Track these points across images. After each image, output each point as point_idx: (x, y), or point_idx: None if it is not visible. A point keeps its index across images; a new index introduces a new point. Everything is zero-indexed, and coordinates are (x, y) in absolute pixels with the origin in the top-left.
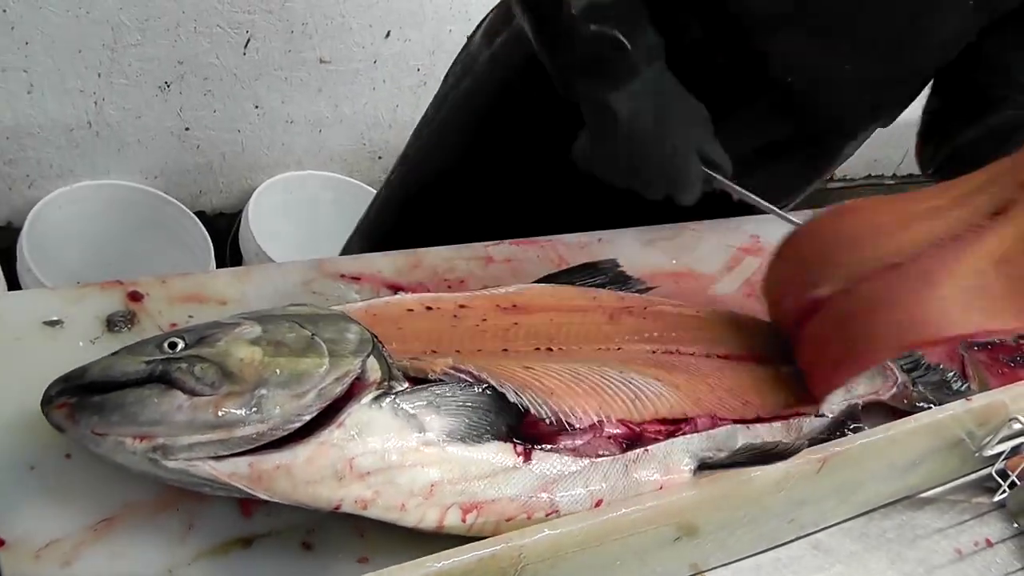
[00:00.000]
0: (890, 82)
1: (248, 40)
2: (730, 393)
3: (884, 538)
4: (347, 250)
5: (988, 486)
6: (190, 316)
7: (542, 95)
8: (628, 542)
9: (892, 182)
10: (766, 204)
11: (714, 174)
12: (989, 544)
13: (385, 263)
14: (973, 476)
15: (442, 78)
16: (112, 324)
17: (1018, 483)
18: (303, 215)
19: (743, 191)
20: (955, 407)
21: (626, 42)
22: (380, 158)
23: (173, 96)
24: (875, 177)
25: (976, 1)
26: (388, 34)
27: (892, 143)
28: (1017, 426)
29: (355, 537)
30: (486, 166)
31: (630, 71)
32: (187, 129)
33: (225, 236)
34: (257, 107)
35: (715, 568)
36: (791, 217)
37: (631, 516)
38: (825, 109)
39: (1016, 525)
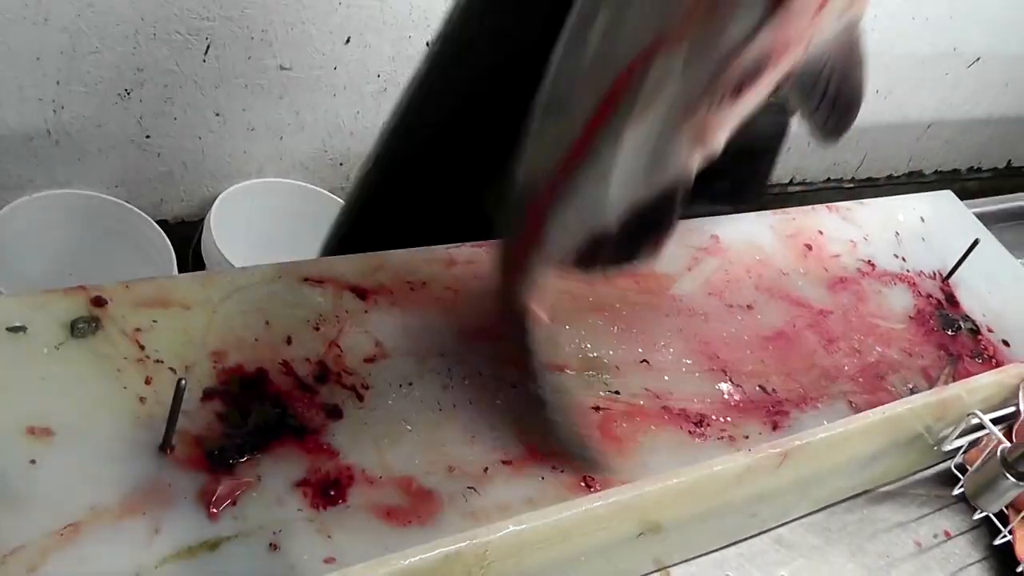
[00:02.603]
0: None
1: (208, 47)
2: None
3: (845, 532)
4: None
5: (947, 480)
6: (154, 321)
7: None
8: (592, 538)
9: (851, 185)
10: None
11: None
12: (948, 536)
13: (347, 266)
14: (932, 470)
15: (401, 84)
16: (76, 330)
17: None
18: (266, 223)
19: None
20: (914, 401)
21: None
22: (342, 165)
23: (133, 104)
24: (834, 180)
25: None
26: (348, 40)
27: (850, 147)
28: (975, 420)
29: (322, 538)
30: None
31: None
32: (148, 137)
33: (187, 244)
34: (218, 115)
35: (678, 563)
36: None
37: (595, 512)
38: None
39: (974, 516)
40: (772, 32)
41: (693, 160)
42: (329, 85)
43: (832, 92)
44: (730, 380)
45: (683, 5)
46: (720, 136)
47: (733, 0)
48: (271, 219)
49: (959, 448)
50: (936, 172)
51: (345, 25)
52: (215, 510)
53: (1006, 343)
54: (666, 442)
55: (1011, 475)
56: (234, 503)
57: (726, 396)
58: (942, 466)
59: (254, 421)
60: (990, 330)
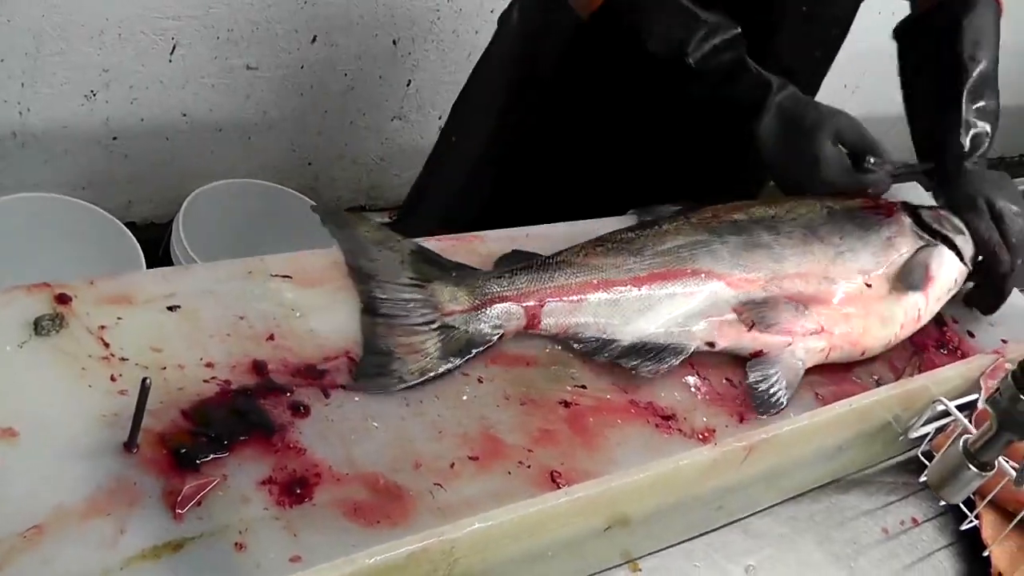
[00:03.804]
0: None
1: (174, 47)
2: None
3: (812, 521)
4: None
5: (914, 467)
6: (119, 318)
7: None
8: (559, 533)
9: None
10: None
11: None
12: (916, 523)
13: (311, 260)
14: (900, 458)
15: (368, 82)
16: (39, 327)
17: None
18: (235, 224)
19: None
20: (880, 392)
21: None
22: (310, 164)
23: (99, 105)
24: None
25: None
26: (314, 39)
27: None
28: (940, 408)
29: (288, 536)
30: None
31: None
32: (114, 139)
33: (156, 246)
34: (185, 115)
35: (646, 556)
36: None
37: (562, 507)
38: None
39: (941, 503)
40: None
41: None
42: (295, 84)
43: None
44: (697, 374)
45: None
46: None
47: None
48: (241, 219)
49: (926, 436)
50: (904, 166)
51: (311, 24)
52: (180, 511)
53: (971, 334)
54: (634, 436)
55: (973, 465)
56: (199, 503)
57: (693, 389)
58: (910, 454)
59: (220, 419)
60: (955, 321)
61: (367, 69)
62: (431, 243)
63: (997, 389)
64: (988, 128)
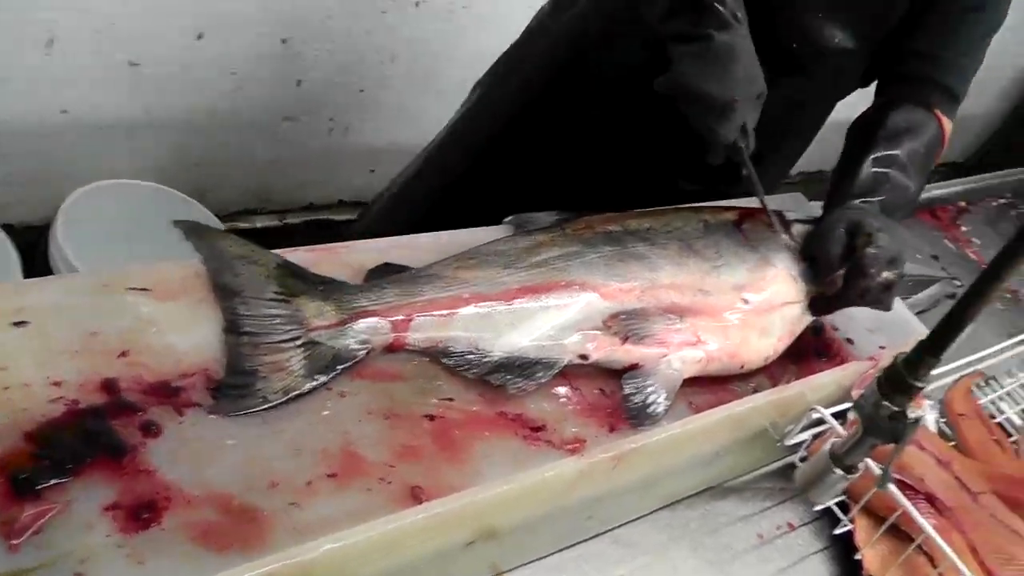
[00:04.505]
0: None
1: (51, 40)
2: None
3: (687, 528)
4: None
5: (791, 474)
6: None
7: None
8: (423, 548)
9: None
10: (759, 189)
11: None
12: (791, 528)
13: (172, 272)
14: (777, 464)
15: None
16: None
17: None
18: (118, 226)
19: (752, 171)
20: (756, 400)
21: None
22: (197, 165)
23: None
24: None
25: None
26: (201, 36)
27: None
28: (816, 415)
29: (133, 565)
30: (535, 136)
31: (723, 24)
32: None
33: (34, 250)
34: (64, 112)
35: (515, 568)
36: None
37: (422, 523)
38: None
39: (815, 507)
40: None
41: None
42: (182, 82)
43: None
44: (569, 384)
45: None
46: None
47: None
48: (124, 222)
49: (803, 443)
50: (801, 173)
51: (197, 20)
52: (16, 541)
53: (850, 341)
54: (501, 448)
55: (839, 468)
56: (39, 531)
57: (563, 400)
58: (787, 459)
59: (65, 441)
60: (835, 328)
61: (256, 68)
62: (297, 255)
63: (861, 396)
64: (886, 177)
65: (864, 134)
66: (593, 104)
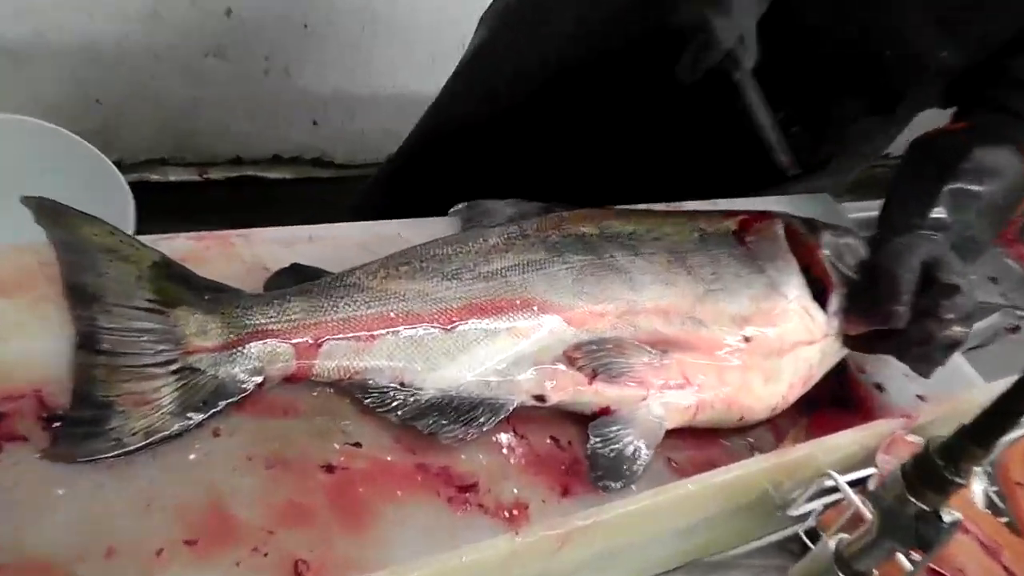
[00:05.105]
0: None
1: None
2: None
3: None
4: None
5: (795, 548)
6: None
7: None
8: None
9: None
10: (768, 120)
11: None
12: None
13: (7, 259)
14: (775, 537)
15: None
16: None
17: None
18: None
19: (756, 90)
20: (749, 466)
21: None
22: (99, 103)
23: None
24: None
25: None
26: None
27: None
28: (829, 483)
29: None
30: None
31: None
32: None
33: None
34: None
35: None
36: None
37: None
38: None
39: None
40: None
41: None
42: (84, 2)
43: None
44: (513, 430)
45: None
46: None
47: None
48: (6, 167)
49: (810, 512)
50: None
51: None
52: None
53: (879, 388)
54: (418, 513)
55: (845, 574)
56: None
57: (505, 451)
58: (789, 531)
59: None
60: (861, 371)
61: None
62: (179, 242)
63: (881, 483)
64: (964, 218)
65: (942, 158)
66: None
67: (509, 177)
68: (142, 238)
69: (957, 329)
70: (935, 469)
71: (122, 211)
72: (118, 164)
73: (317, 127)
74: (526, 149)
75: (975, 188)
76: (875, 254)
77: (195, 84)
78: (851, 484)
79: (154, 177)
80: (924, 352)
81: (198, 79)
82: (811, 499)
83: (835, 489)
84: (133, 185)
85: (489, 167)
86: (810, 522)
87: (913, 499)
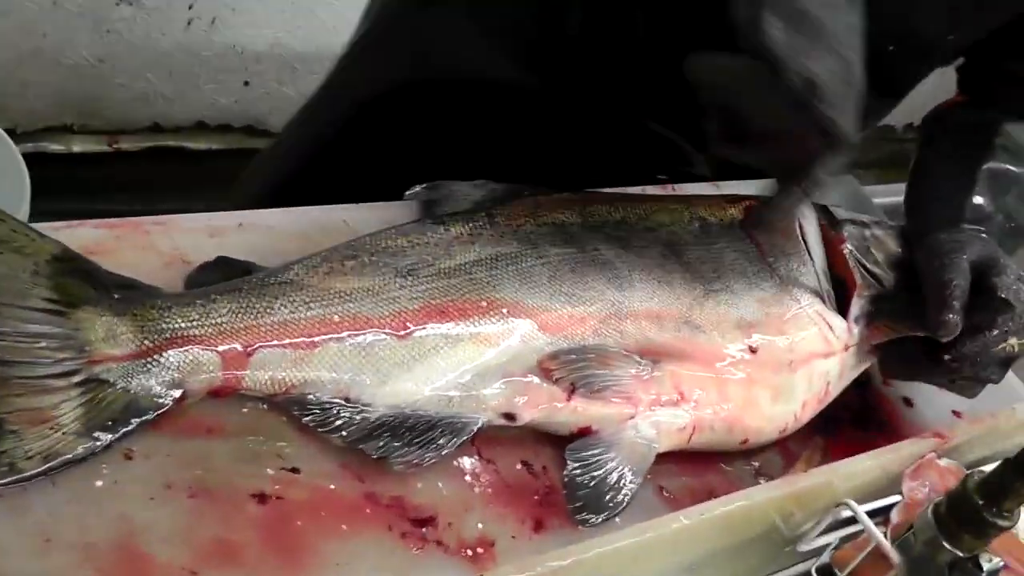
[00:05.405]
0: None
1: None
2: None
3: None
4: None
5: None
6: None
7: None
8: None
9: None
10: None
11: None
12: None
13: None
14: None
15: None
16: None
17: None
18: None
19: None
20: (754, 496)
21: None
22: None
23: None
24: None
25: None
26: None
27: None
28: (847, 513)
29: None
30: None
31: None
32: None
33: None
34: None
35: None
36: None
37: None
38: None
39: None
40: None
41: None
42: None
43: None
44: (478, 454)
45: None
46: None
47: None
48: None
49: (825, 546)
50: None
51: None
52: None
53: (908, 402)
54: (366, 551)
55: None
56: None
57: (469, 478)
58: (799, 568)
59: None
60: (886, 383)
61: None
62: (83, 230)
63: (910, 528)
64: (1005, 201)
65: (970, 137)
66: None
67: (474, 153)
68: (39, 225)
69: (1014, 341)
70: (975, 509)
71: (14, 189)
72: (11, 132)
73: (248, 87)
74: (494, 116)
75: (1014, 169)
76: (915, 252)
77: (104, 39)
78: (872, 515)
79: (54, 147)
80: (971, 370)
81: (108, 33)
82: (825, 532)
83: (853, 520)
84: (28, 157)
85: (449, 139)
86: (824, 558)
87: (948, 545)
